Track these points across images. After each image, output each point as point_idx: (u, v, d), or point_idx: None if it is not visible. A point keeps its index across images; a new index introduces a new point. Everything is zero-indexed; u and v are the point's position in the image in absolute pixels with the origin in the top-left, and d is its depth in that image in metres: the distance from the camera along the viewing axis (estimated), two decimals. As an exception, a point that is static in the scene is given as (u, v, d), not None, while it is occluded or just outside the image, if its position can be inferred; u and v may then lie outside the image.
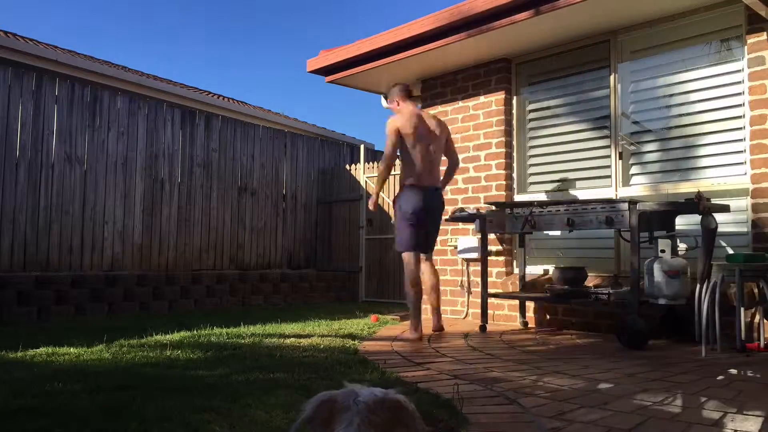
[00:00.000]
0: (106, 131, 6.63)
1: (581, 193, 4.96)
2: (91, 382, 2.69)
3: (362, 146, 8.96)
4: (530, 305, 5.08)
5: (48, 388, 2.56)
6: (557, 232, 4.93)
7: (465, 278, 5.61)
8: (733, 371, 3.07)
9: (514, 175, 5.45)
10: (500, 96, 5.46)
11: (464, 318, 5.55)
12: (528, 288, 5.04)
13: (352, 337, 4.33)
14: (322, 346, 3.88)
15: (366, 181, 8.43)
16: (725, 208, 4.00)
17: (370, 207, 4.54)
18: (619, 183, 4.77)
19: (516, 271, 5.30)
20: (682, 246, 4.25)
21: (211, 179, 7.58)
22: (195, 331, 4.46)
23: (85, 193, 6.42)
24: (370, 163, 8.56)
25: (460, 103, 5.77)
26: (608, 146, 4.86)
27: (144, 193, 6.91)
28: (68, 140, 6.32)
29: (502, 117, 5.43)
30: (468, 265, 5.60)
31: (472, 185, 5.63)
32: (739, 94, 4.20)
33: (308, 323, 5.12)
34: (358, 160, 8.75)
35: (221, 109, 10.34)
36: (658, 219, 4.10)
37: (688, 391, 2.62)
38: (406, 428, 1.17)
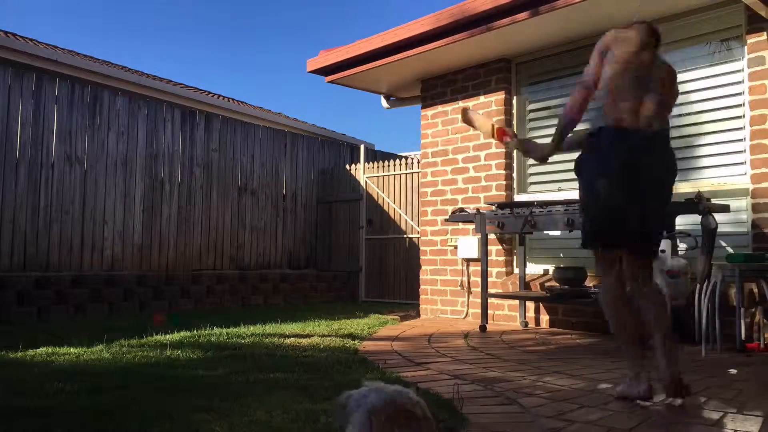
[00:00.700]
0: (106, 131, 6.63)
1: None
2: (91, 382, 2.69)
3: (362, 146, 8.96)
4: (530, 305, 5.08)
5: (48, 388, 2.56)
6: (557, 232, 4.92)
7: (465, 278, 5.61)
8: (733, 371, 3.07)
9: (514, 175, 5.44)
10: (500, 96, 5.46)
11: (464, 318, 5.55)
12: (528, 288, 5.04)
13: (352, 337, 4.33)
14: (322, 346, 3.88)
15: (366, 181, 8.43)
16: (725, 208, 4.00)
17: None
18: (619, 183, 4.76)
19: (516, 271, 5.30)
20: (682, 246, 4.25)
21: (211, 179, 7.58)
22: (195, 331, 4.46)
23: (85, 193, 6.42)
24: (370, 163, 8.56)
25: (460, 103, 5.76)
26: (608, 146, 4.85)
27: (144, 193, 6.91)
28: (68, 140, 6.31)
29: (503, 117, 5.43)
30: (468, 265, 5.60)
31: (472, 185, 5.63)
32: (739, 94, 4.20)
33: (308, 323, 5.11)
34: (358, 160, 8.74)
35: (221, 109, 10.33)
36: (658, 219, 4.09)
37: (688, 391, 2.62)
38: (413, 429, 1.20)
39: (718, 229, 3.83)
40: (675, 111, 4.48)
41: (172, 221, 7.14)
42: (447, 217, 5.52)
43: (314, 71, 6.23)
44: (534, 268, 5.23)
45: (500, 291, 5.22)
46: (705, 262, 3.79)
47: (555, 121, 5.19)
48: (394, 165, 8.24)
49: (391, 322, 5.39)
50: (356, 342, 4.09)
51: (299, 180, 8.73)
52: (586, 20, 4.63)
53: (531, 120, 5.44)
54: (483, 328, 4.72)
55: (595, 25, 4.76)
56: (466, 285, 5.61)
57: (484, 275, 4.85)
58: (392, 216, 8.14)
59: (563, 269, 4.59)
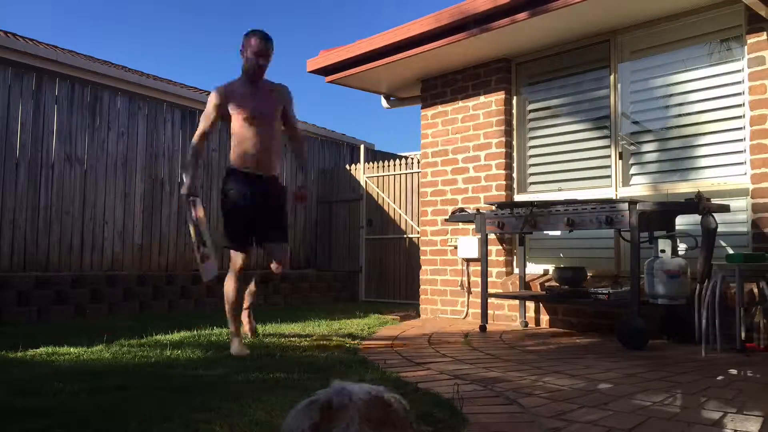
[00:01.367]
0: (106, 131, 6.63)
1: (581, 193, 4.96)
2: (91, 382, 2.69)
3: (362, 146, 8.97)
4: (530, 305, 5.08)
5: (48, 388, 2.56)
6: (557, 232, 4.92)
7: (465, 278, 5.61)
8: (733, 371, 3.07)
9: (514, 175, 5.45)
10: (500, 96, 5.46)
11: (464, 318, 5.55)
12: (528, 288, 5.05)
13: (352, 337, 4.33)
14: (322, 346, 3.88)
15: (366, 181, 8.43)
16: (725, 208, 4.00)
17: None
18: (619, 183, 4.77)
19: (516, 271, 5.30)
20: (682, 246, 4.25)
21: (212, 179, 7.58)
22: (195, 331, 4.46)
23: (85, 193, 6.42)
24: (370, 163, 8.56)
25: (460, 103, 5.77)
26: (608, 146, 4.86)
27: (144, 193, 6.91)
28: (68, 140, 6.32)
29: (502, 117, 5.43)
30: (468, 265, 5.60)
31: (472, 185, 5.63)
32: (739, 94, 4.20)
33: (308, 323, 5.12)
34: (358, 160, 8.75)
35: (221, 109, 10.33)
36: (658, 219, 4.10)
37: (688, 391, 2.62)
38: (394, 428, 1.16)
39: (718, 229, 3.83)
40: (675, 111, 4.53)
41: (172, 221, 7.14)
42: (447, 217, 5.52)
43: (314, 71, 6.24)
44: (534, 268, 5.23)
45: (500, 291, 5.22)
46: (705, 262, 3.79)
47: (555, 121, 5.22)
48: (394, 165, 8.24)
49: (391, 322, 5.40)
50: (356, 342, 4.09)
51: (299, 180, 8.71)
52: (586, 20, 4.63)
53: (531, 120, 5.44)
54: (483, 328, 4.73)
55: (596, 25, 4.77)
56: (466, 285, 5.61)
57: (484, 275, 4.86)
58: (392, 216, 8.14)
59: (563, 269, 4.59)
